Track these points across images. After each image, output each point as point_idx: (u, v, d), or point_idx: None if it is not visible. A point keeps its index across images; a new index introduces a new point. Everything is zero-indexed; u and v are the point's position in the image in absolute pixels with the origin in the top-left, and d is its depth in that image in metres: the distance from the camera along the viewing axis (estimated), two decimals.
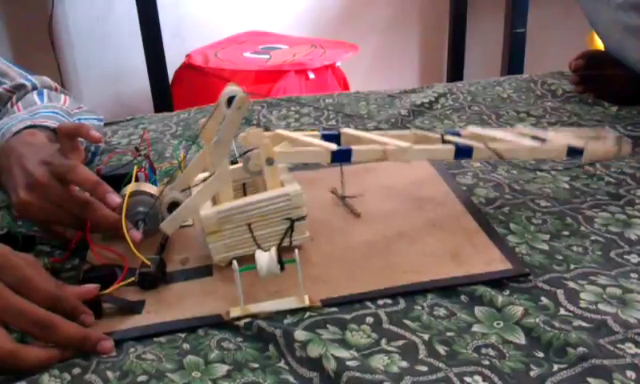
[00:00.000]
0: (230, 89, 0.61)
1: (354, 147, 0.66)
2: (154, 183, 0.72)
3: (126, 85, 2.29)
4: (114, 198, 0.65)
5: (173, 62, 2.01)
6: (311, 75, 1.90)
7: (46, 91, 0.90)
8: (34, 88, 0.90)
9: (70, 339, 0.53)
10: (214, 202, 0.63)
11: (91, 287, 0.58)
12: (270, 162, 0.61)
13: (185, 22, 2.27)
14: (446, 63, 2.55)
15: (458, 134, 0.72)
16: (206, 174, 0.68)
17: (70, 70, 2.25)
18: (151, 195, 0.67)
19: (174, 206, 0.65)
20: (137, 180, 0.69)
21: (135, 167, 0.70)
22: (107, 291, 0.59)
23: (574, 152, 0.71)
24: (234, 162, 0.69)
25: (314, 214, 0.71)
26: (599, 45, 1.17)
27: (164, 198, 0.66)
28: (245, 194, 0.69)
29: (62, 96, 0.91)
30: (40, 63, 2.16)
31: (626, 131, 0.94)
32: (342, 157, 0.65)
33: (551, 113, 1.03)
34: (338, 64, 2.00)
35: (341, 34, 2.27)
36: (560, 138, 0.72)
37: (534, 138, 0.72)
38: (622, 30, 1.03)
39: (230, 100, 0.60)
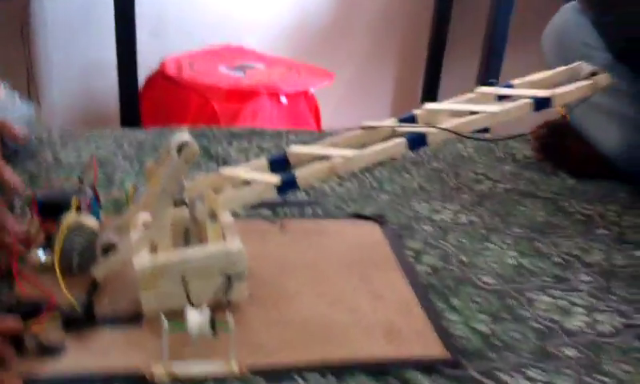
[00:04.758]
0: (181, 137, 0.59)
1: (298, 173, 0.62)
2: (97, 214, 0.70)
3: (96, 81, 2.24)
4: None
5: (148, 61, 1.97)
6: (284, 100, 1.88)
7: None
8: None
9: None
10: (151, 248, 0.61)
11: (15, 324, 0.56)
12: (212, 216, 0.59)
13: (164, 22, 2.23)
14: (419, 102, 2.56)
15: (413, 118, 0.69)
16: (147, 216, 0.66)
17: (42, 63, 2.19)
18: (92, 230, 0.65)
19: (109, 248, 0.62)
20: (78, 210, 0.67)
21: (74, 197, 0.67)
22: (29, 328, 0.56)
23: (541, 104, 0.66)
24: (182, 203, 0.67)
25: (263, 270, 0.69)
26: None
27: (100, 239, 0.63)
28: (186, 239, 0.67)
29: None
30: (9, 53, 2.11)
31: (579, 207, 0.94)
32: (287, 188, 0.62)
33: (508, 178, 1.03)
34: (312, 91, 2.00)
35: (317, 59, 2.26)
36: (524, 93, 0.67)
37: (499, 97, 0.69)
38: (584, 106, 1.04)
39: (181, 148, 0.58)
